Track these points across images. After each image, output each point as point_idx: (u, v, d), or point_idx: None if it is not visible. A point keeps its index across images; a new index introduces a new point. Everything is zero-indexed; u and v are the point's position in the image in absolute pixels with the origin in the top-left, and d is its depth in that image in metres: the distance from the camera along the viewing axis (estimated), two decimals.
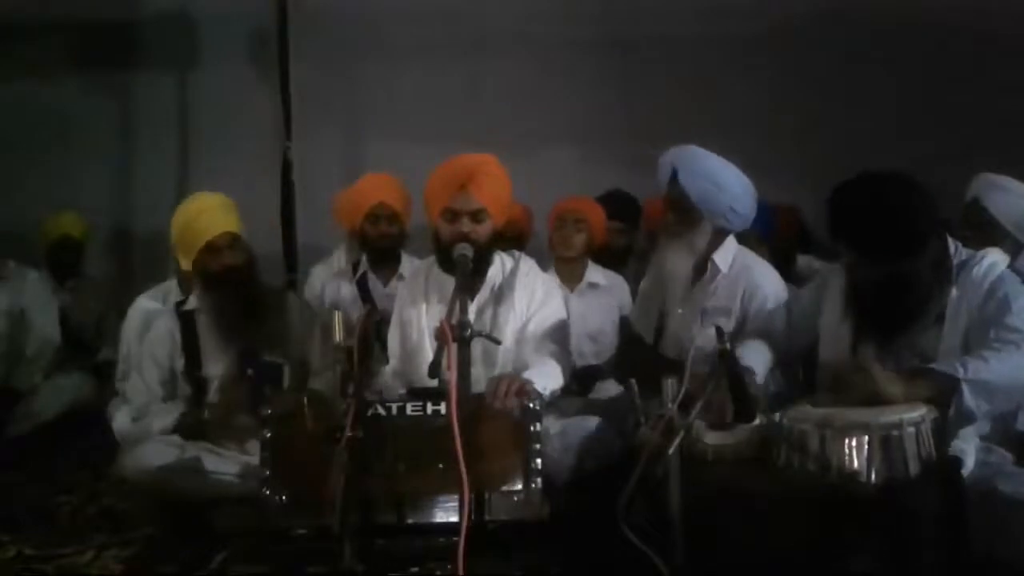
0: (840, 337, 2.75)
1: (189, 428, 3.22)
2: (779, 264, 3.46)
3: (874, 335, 2.66)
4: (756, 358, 2.78)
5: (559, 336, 3.27)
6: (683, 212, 3.13)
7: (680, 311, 3.22)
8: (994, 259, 2.66)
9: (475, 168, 3.14)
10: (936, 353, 2.57)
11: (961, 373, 2.42)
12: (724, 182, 3.10)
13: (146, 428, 3.25)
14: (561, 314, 3.32)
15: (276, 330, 3.37)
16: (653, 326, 3.31)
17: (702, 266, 3.19)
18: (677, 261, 3.20)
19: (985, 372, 2.43)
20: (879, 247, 2.54)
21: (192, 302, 3.41)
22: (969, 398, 2.41)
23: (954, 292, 2.60)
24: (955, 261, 2.64)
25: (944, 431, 2.39)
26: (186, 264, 3.34)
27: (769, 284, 3.18)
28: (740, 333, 3.04)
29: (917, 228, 2.54)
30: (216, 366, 3.34)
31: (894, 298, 2.58)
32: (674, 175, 3.11)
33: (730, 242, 3.21)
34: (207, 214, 3.28)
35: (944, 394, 2.42)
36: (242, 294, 3.30)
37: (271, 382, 3.21)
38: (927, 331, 2.60)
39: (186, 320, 3.37)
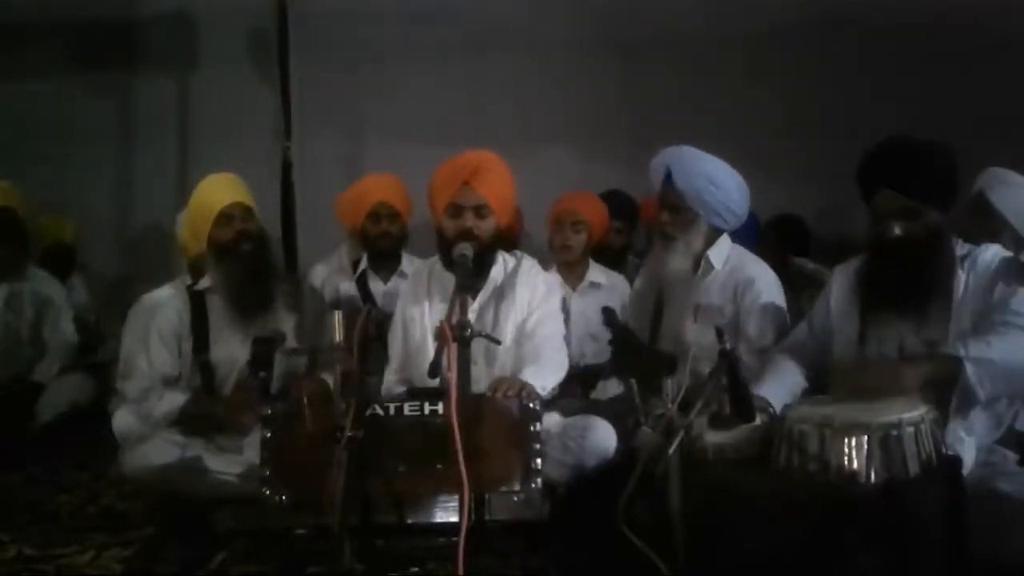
0: (849, 330, 2.77)
1: (193, 417, 3.22)
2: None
3: (883, 319, 2.68)
4: (776, 391, 2.74)
5: (557, 331, 3.28)
6: (678, 212, 3.16)
7: (676, 308, 3.23)
8: (996, 249, 2.71)
9: (479, 164, 3.17)
10: (945, 341, 2.59)
11: (963, 352, 2.45)
12: (718, 181, 3.13)
13: (148, 412, 3.25)
14: (559, 308, 3.34)
15: (285, 314, 3.39)
16: (648, 324, 3.33)
17: (697, 263, 3.21)
18: (674, 261, 3.22)
19: (987, 351, 2.45)
20: (916, 182, 2.61)
21: (204, 282, 3.41)
22: (971, 376, 2.42)
23: (961, 277, 2.63)
24: (959, 253, 2.68)
25: (946, 417, 2.41)
26: (200, 243, 3.37)
27: (763, 280, 3.19)
28: (735, 329, 3.05)
29: (949, 174, 2.65)
30: (224, 349, 3.33)
31: (905, 276, 2.62)
32: (668, 176, 3.14)
33: (724, 239, 3.24)
34: (219, 186, 3.40)
35: (949, 375, 2.44)
36: (255, 264, 3.34)
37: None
38: (934, 317, 2.63)
39: (196, 300, 3.39)
